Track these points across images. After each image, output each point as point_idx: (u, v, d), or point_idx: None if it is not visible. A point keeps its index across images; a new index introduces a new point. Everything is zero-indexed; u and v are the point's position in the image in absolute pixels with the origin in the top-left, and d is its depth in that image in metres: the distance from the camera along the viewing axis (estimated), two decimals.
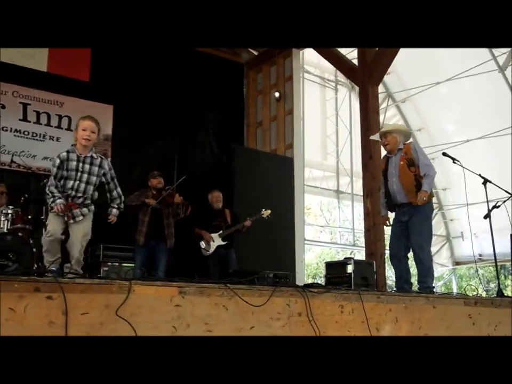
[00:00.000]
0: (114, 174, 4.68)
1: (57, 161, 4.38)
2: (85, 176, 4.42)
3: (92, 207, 4.54)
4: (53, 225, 4.36)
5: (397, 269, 5.41)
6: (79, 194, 4.41)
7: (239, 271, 5.60)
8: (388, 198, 5.47)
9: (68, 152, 4.42)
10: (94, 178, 4.47)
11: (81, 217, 4.43)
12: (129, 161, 8.10)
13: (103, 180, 4.56)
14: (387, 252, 6.08)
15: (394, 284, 5.62)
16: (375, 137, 5.75)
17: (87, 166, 4.43)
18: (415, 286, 5.35)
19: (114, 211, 4.69)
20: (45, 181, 5.70)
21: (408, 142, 5.53)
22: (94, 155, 4.51)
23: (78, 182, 4.39)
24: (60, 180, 4.40)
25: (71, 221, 4.40)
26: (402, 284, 5.29)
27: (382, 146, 5.77)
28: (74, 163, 4.38)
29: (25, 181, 7.00)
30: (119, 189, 4.72)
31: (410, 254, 5.46)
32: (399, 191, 5.31)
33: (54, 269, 4.22)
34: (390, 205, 5.50)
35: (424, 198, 5.13)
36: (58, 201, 4.32)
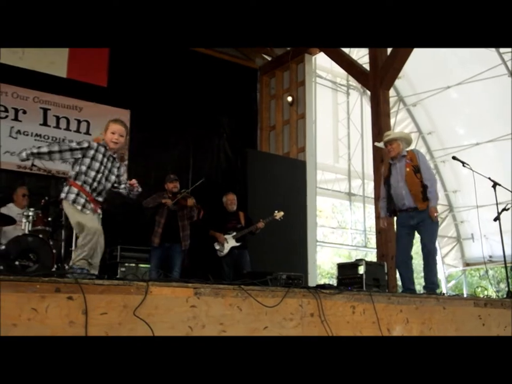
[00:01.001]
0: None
1: (85, 144, 4.28)
2: (106, 172, 4.36)
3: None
4: (94, 222, 4.19)
5: (404, 272, 5.50)
6: (100, 187, 4.31)
7: (252, 272, 5.65)
8: (391, 203, 5.58)
9: (98, 144, 4.35)
10: (113, 177, 4.43)
11: (100, 216, 4.39)
12: (146, 165, 8.24)
13: (116, 182, 4.50)
14: None
15: (401, 285, 5.71)
16: (380, 144, 5.85)
17: (109, 164, 4.39)
18: (419, 289, 5.46)
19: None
20: (64, 183, 5.85)
21: (411, 148, 5.62)
22: (116, 156, 4.49)
23: (100, 175, 4.30)
24: (80, 167, 4.24)
25: (98, 214, 4.33)
26: (409, 284, 5.40)
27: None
28: (101, 156, 4.32)
29: (45, 184, 7.14)
30: None
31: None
32: (407, 196, 5.41)
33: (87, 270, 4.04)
34: (390, 210, 5.62)
35: (436, 214, 5.28)
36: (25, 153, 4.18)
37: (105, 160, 4.35)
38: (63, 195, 4.21)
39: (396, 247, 5.66)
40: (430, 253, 5.35)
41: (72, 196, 4.16)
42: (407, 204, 5.41)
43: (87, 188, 4.22)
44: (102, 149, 4.34)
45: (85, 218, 4.14)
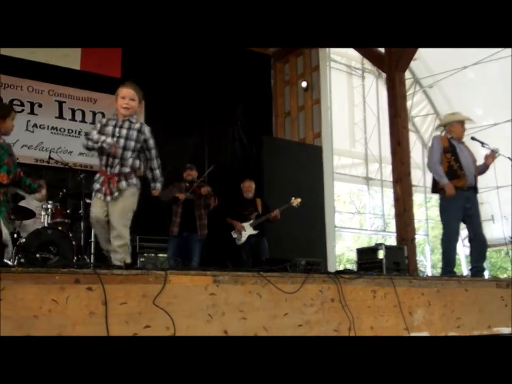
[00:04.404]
0: (155, 144, 4.22)
1: (98, 125, 4.08)
2: (122, 141, 3.97)
3: (134, 180, 4.03)
4: (93, 207, 3.99)
5: (453, 254, 5.62)
6: (116, 161, 3.96)
7: (271, 259, 5.65)
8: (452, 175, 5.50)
9: (108, 119, 4.13)
10: (132, 144, 4.00)
11: (116, 193, 3.93)
12: (161, 155, 8.17)
13: (144, 146, 4.10)
14: (417, 237, 6.15)
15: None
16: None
17: (124, 131, 4.01)
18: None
19: (158, 185, 4.25)
20: (81, 175, 5.89)
21: None
22: (133, 120, 4.09)
23: None
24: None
25: (108, 198, 3.92)
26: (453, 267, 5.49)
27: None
28: (111, 128, 4.02)
29: (62, 176, 7.21)
30: (159, 161, 4.25)
31: None
32: (472, 176, 5.50)
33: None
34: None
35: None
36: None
37: (117, 129, 4.01)
38: None
39: (450, 229, 5.55)
40: (482, 233, 5.59)
41: (93, 185, 4.05)
42: (473, 182, 5.50)
43: (103, 168, 4.01)
44: (112, 122, 4.08)
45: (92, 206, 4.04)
